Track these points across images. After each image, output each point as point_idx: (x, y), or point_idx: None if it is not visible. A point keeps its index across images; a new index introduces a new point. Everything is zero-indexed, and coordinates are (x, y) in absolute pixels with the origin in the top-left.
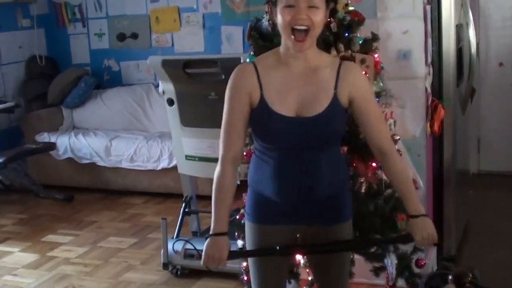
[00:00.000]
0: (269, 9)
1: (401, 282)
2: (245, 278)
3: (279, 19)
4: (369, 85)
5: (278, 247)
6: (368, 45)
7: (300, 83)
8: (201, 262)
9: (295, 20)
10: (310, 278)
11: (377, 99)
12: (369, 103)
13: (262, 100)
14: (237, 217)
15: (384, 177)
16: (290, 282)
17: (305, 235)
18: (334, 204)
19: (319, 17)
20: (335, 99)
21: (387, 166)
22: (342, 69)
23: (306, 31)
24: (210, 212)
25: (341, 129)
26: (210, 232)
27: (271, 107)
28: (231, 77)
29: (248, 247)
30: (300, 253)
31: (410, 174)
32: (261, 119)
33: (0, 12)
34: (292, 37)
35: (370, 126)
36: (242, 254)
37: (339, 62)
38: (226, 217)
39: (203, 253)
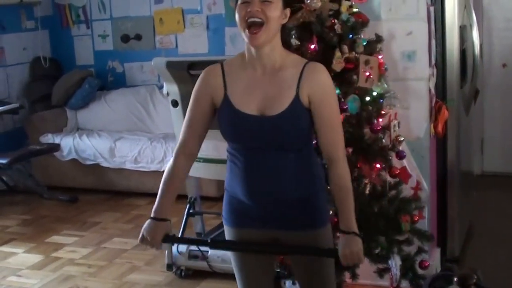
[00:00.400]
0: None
1: (405, 284)
2: None
3: (236, 17)
4: (331, 88)
5: (209, 239)
6: (372, 47)
7: (263, 83)
8: (138, 240)
9: (248, 14)
10: None
11: (381, 100)
12: (326, 107)
13: (226, 99)
14: None
15: (389, 178)
16: (294, 283)
17: (284, 240)
18: (308, 208)
19: (273, 12)
20: (296, 99)
21: (330, 174)
22: (306, 69)
23: (261, 25)
24: (215, 214)
25: (304, 129)
26: (151, 215)
27: (235, 105)
28: (199, 77)
29: (230, 252)
30: (232, 249)
31: (414, 174)
32: (226, 117)
33: (4, 13)
34: (247, 30)
35: (321, 130)
36: (175, 239)
37: (305, 62)
38: (168, 204)
39: (140, 232)
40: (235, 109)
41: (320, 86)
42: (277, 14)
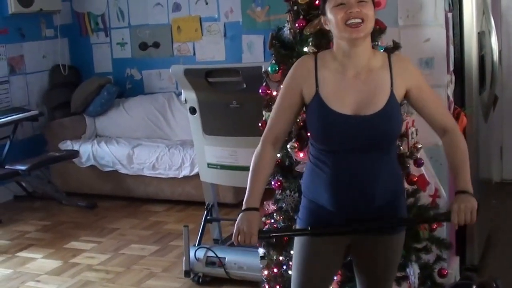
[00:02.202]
0: (291, 19)
1: None
2: (266, 286)
3: (331, 19)
4: (418, 72)
5: (309, 227)
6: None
7: (356, 83)
8: (232, 238)
9: (348, 15)
10: None
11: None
12: (424, 90)
13: (318, 96)
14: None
15: (407, 186)
16: None
17: (357, 245)
18: (390, 212)
19: (370, 10)
20: (392, 97)
21: (448, 142)
22: (394, 66)
23: (360, 23)
24: (232, 220)
25: (398, 127)
26: (243, 207)
27: (328, 104)
28: (293, 66)
29: (295, 250)
30: (333, 233)
31: (432, 182)
32: (317, 116)
33: (24, 22)
34: (347, 27)
35: (431, 109)
36: (273, 232)
37: (388, 58)
38: (259, 194)
39: (234, 229)
40: (329, 108)
41: (412, 75)
42: (372, 13)
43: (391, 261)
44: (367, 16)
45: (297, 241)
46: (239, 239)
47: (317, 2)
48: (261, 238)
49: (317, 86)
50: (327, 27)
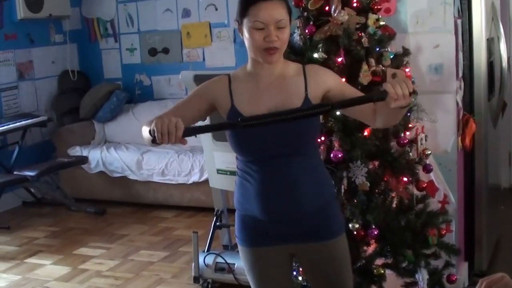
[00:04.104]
0: (301, 24)
1: None
2: None
3: (247, 38)
4: (331, 72)
5: (239, 119)
6: (399, 60)
7: (269, 90)
8: (157, 140)
9: (266, 43)
10: None
11: (408, 114)
12: (343, 86)
13: (233, 108)
14: None
15: (416, 192)
16: None
17: (301, 254)
18: (325, 218)
19: (286, 34)
20: (307, 100)
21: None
22: (308, 73)
23: (276, 49)
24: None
25: (314, 129)
26: (149, 127)
27: (243, 113)
28: (206, 82)
29: (247, 273)
30: (265, 122)
31: (441, 188)
32: None
33: (33, 28)
34: (263, 51)
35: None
36: (196, 130)
37: (302, 68)
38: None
39: (153, 130)
40: (243, 116)
41: (327, 78)
42: (288, 34)
43: (339, 265)
44: (283, 42)
45: (245, 263)
46: (161, 137)
47: (327, 8)
48: (187, 135)
49: (231, 99)
50: (240, 35)
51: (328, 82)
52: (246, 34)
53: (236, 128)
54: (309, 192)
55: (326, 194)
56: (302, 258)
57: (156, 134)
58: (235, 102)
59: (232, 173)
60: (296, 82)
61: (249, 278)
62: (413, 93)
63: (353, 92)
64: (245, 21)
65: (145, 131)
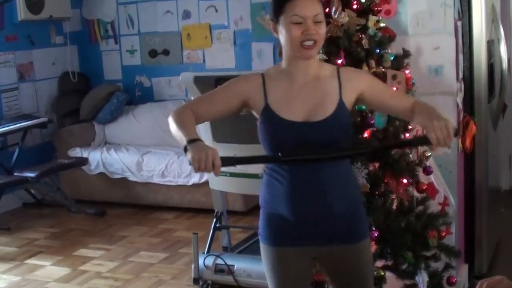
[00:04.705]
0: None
1: None
2: None
3: (284, 35)
4: (364, 74)
5: (280, 154)
6: (399, 61)
7: (304, 92)
8: (194, 171)
9: (304, 36)
10: None
11: None
12: (375, 86)
13: (267, 108)
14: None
15: (416, 193)
16: None
17: (324, 257)
18: (351, 220)
19: (323, 30)
20: (341, 103)
21: (414, 109)
22: (342, 76)
23: (314, 44)
24: (241, 228)
25: (349, 131)
26: (187, 140)
27: (278, 114)
28: (240, 78)
29: (267, 271)
30: (306, 159)
31: (441, 190)
32: (270, 126)
33: (34, 29)
34: (300, 46)
35: (391, 101)
36: (235, 160)
37: (337, 70)
38: (195, 130)
39: (191, 161)
40: (278, 117)
41: (360, 79)
42: (325, 31)
43: (361, 269)
44: (321, 37)
45: (266, 262)
46: (199, 166)
47: (327, 10)
48: (226, 165)
49: (266, 98)
50: (275, 35)
51: (361, 86)
52: (283, 31)
53: (275, 162)
54: (338, 195)
55: (354, 197)
56: (326, 261)
57: (193, 165)
58: (270, 101)
59: (232, 174)
60: (331, 85)
61: (268, 278)
62: (456, 135)
63: (387, 94)
64: (282, 18)
65: (173, 127)
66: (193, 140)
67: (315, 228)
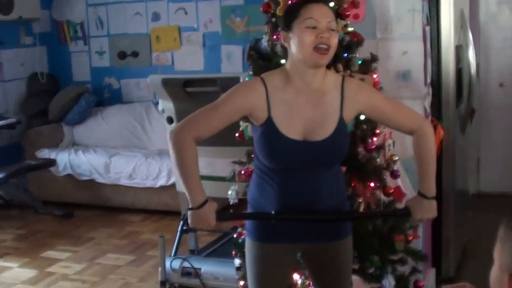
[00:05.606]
0: (269, 30)
1: None
2: None
3: (297, 40)
4: (369, 88)
5: (273, 212)
6: (367, 66)
7: (307, 106)
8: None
9: (319, 39)
10: None
11: None
12: (379, 105)
13: (270, 121)
14: (235, 235)
15: (383, 197)
16: None
17: (307, 253)
18: (337, 222)
19: (336, 39)
20: (341, 121)
21: (415, 141)
22: (346, 90)
23: (327, 50)
24: (209, 230)
25: (346, 149)
26: (190, 206)
27: (279, 129)
28: (243, 84)
29: (248, 265)
30: (297, 219)
31: (408, 194)
32: (268, 140)
33: (3, 29)
34: (313, 51)
35: (391, 120)
36: (231, 216)
37: (341, 81)
38: (200, 187)
39: (190, 224)
40: (280, 133)
41: (364, 98)
42: (337, 40)
43: (342, 266)
44: (333, 44)
45: (249, 257)
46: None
47: None
48: (220, 221)
49: (269, 110)
50: (285, 44)
51: (363, 105)
52: (295, 36)
53: (268, 220)
54: (327, 194)
55: (340, 196)
56: (309, 257)
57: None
58: (272, 114)
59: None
60: (333, 100)
61: (248, 273)
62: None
63: (389, 113)
64: (296, 23)
65: (175, 164)
66: (197, 207)
67: (301, 225)
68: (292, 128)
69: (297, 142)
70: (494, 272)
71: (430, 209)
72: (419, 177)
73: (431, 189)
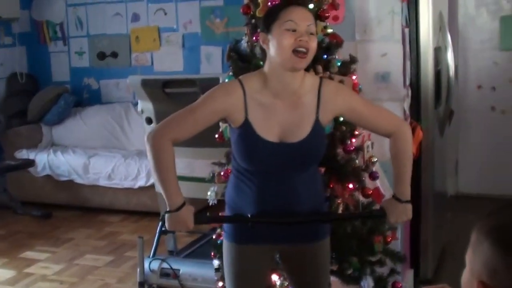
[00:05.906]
0: (249, 32)
1: None
2: None
3: (276, 42)
4: (348, 90)
5: (249, 215)
6: (347, 67)
7: (284, 109)
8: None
9: (297, 42)
10: None
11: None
12: (358, 108)
13: (247, 123)
14: (213, 236)
15: (361, 198)
16: None
17: (285, 254)
18: (314, 223)
19: (315, 43)
20: (317, 123)
21: (392, 143)
22: (322, 93)
23: (305, 53)
24: (187, 232)
25: (322, 151)
26: (168, 209)
27: (256, 131)
28: (221, 86)
29: (226, 267)
30: (273, 222)
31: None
32: (245, 142)
33: None
34: (293, 55)
35: (370, 122)
36: (208, 219)
37: (318, 83)
38: (177, 189)
39: (167, 227)
40: (257, 136)
41: (341, 102)
42: (316, 45)
43: (320, 267)
44: (312, 48)
45: (226, 258)
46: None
47: None
48: (198, 223)
49: (246, 113)
50: (264, 46)
51: (340, 109)
52: (274, 39)
53: (245, 223)
54: (304, 196)
55: (318, 197)
56: (286, 258)
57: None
58: (250, 117)
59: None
60: (309, 102)
61: (226, 274)
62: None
63: (367, 116)
64: (275, 25)
65: (153, 166)
66: (174, 210)
67: (279, 227)
68: (268, 130)
69: (274, 144)
70: (465, 276)
71: (404, 212)
72: (394, 180)
73: (406, 193)
